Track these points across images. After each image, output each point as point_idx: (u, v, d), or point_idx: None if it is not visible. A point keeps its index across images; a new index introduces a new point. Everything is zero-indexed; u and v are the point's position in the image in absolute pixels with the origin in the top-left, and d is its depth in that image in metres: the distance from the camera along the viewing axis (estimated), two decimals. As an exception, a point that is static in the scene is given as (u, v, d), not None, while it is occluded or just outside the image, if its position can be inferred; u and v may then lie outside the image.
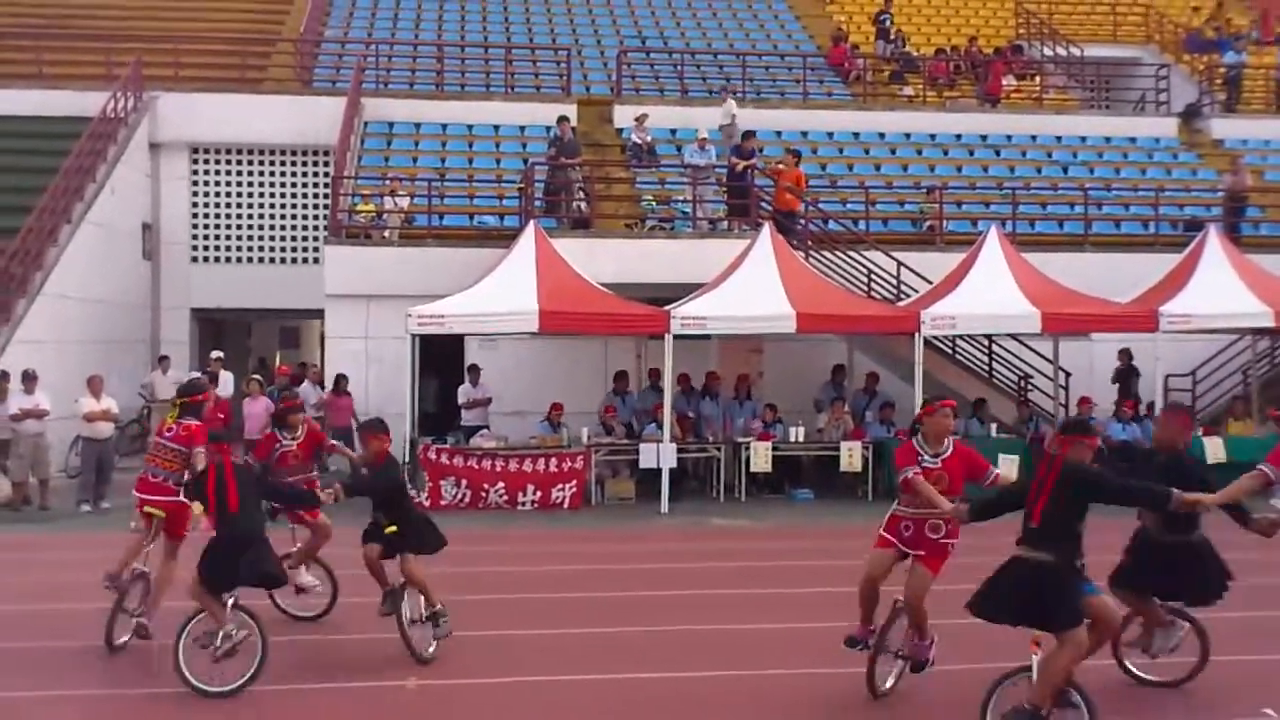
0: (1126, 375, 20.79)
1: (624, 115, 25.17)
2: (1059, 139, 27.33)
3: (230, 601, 8.30)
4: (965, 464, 8.03)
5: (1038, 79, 29.68)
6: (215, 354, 20.66)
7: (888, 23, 30.57)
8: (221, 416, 17.71)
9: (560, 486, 17.60)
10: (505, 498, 17.50)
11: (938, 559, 7.90)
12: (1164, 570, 8.03)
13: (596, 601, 11.38)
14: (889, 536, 8.05)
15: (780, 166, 21.85)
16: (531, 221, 19.13)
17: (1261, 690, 8.34)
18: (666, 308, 17.80)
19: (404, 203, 21.61)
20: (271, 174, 25.21)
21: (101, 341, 21.30)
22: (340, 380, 19.61)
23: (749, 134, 22.02)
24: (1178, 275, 19.12)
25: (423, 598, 9.16)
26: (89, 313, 21.26)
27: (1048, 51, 30.86)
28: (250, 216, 25.13)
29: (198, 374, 20.19)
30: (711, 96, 25.37)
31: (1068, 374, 20.84)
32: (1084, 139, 27.43)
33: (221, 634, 8.16)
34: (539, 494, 17.55)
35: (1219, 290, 18.50)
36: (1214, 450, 17.80)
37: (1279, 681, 8.65)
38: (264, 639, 8.23)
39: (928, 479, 7.86)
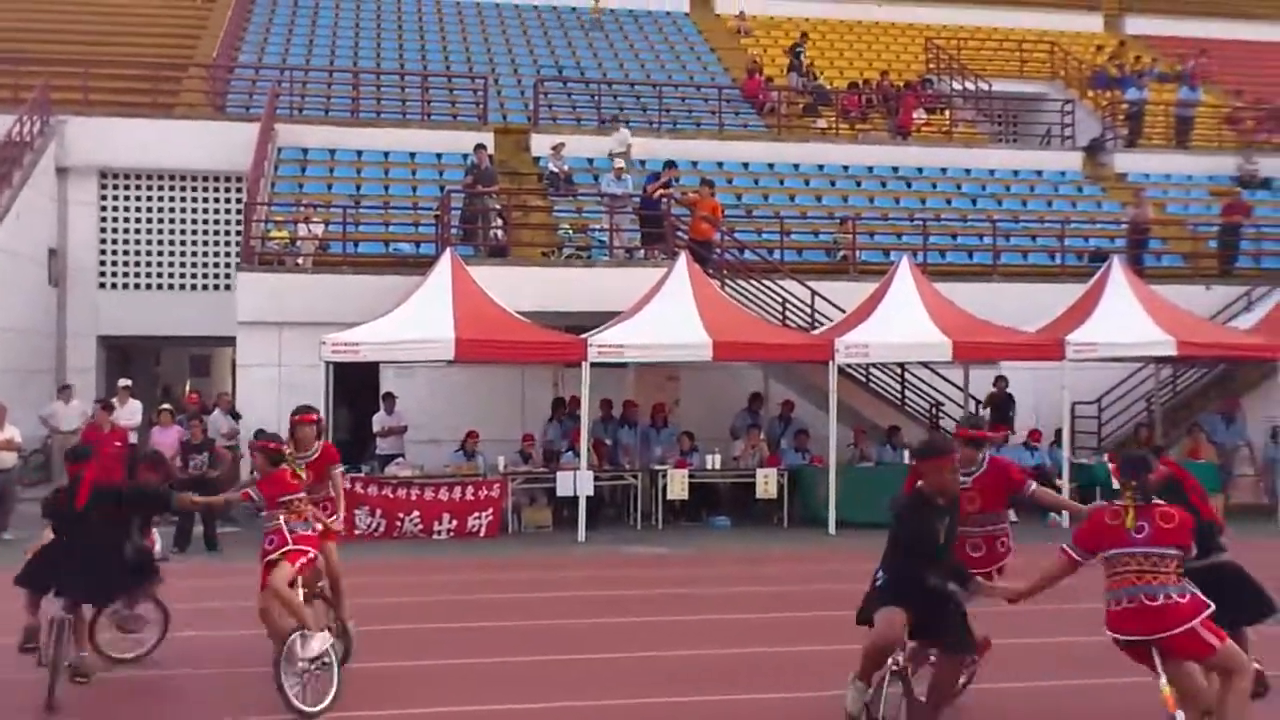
0: (1002, 402, 21.15)
1: (541, 144, 25.23)
2: (968, 171, 27.89)
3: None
4: None
5: (947, 113, 30.28)
6: (123, 382, 20.21)
7: (801, 56, 31.04)
8: (119, 444, 17.28)
9: (476, 515, 17.49)
10: (420, 527, 17.35)
11: None
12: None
13: (512, 630, 11.30)
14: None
15: (694, 196, 22.00)
16: (448, 249, 19.03)
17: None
18: (583, 336, 17.83)
19: (318, 229, 21.36)
20: (183, 200, 24.75)
21: (5, 370, 20.71)
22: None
23: (670, 164, 22.17)
24: (1083, 305, 19.56)
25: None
26: (-9, 340, 20.73)
27: (957, 86, 31.51)
28: (160, 242, 24.63)
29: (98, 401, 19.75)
30: (631, 126, 25.50)
31: (978, 402, 21.21)
32: (992, 172, 28.04)
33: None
34: (455, 523, 17.43)
35: (1123, 320, 18.94)
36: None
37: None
38: None
39: None
